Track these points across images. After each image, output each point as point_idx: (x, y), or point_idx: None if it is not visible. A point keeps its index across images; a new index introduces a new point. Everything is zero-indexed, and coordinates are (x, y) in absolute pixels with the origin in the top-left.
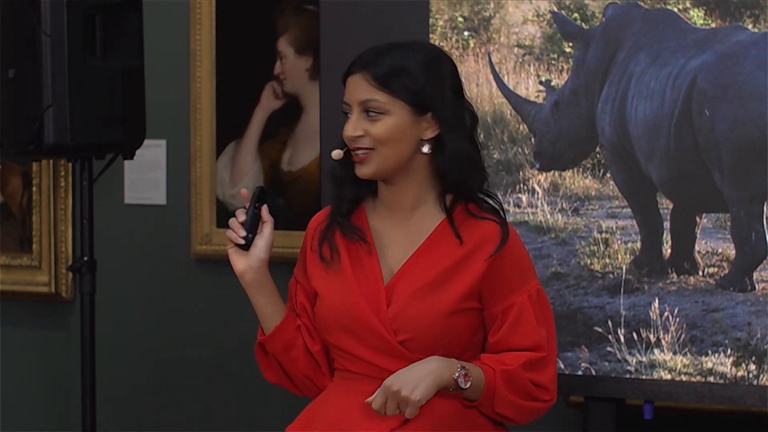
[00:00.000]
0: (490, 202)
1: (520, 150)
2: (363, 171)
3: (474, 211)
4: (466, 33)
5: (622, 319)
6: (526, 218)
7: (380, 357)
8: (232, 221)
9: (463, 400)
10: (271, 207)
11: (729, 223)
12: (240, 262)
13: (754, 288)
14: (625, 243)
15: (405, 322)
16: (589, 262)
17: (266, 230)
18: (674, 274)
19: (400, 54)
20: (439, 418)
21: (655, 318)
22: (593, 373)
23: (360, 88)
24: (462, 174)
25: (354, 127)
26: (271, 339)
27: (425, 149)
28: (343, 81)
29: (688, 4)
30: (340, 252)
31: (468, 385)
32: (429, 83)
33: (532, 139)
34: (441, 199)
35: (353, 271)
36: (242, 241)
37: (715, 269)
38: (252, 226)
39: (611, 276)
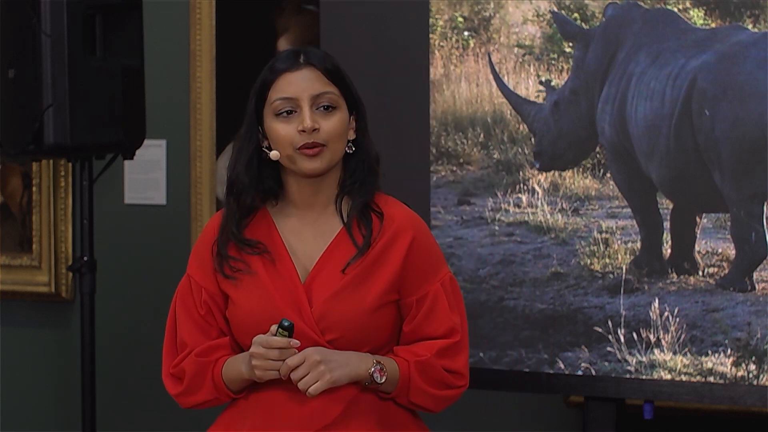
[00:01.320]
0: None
1: (520, 150)
2: (315, 166)
3: (381, 205)
4: (466, 33)
5: (622, 319)
6: (526, 218)
7: None
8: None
9: (380, 393)
10: None
11: (729, 223)
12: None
13: (754, 288)
14: (625, 243)
15: (331, 323)
16: (589, 262)
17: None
18: (674, 274)
19: (333, 58)
20: (367, 419)
21: (655, 318)
22: (593, 373)
23: (314, 82)
24: (367, 175)
25: (312, 119)
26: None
27: (349, 149)
28: (272, 80)
29: (688, 4)
30: (250, 260)
31: (383, 380)
32: (353, 85)
33: (532, 139)
34: (340, 198)
35: (267, 273)
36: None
37: (715, 269)
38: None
39: (611, 276)
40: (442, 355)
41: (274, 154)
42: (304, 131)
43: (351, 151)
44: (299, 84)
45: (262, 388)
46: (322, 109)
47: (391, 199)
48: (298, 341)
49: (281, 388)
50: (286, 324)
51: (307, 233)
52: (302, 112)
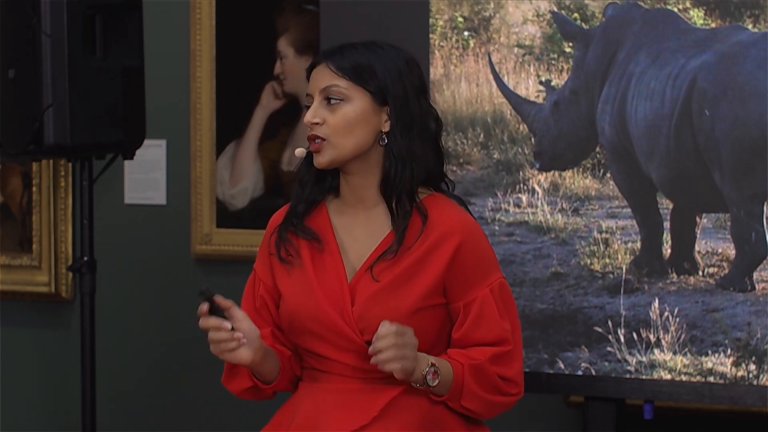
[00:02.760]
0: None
1: (520, 150)
2: (318, 160)
3: (431, 206)
4: (466, 33)
5: (622, 319)
6: (526, 218)
7: (348, 356)
8: (213, 330)
9: (431, 395)
10: (270, 207)
11: (729, 223)
12: (246, 354)
13: (754, 288)
14: (625, 243)
15: (369, 323)
16: (589, 262)
17: (238, 312)
18: (674, 274)
19: (363, 47)
20: (408, 418)
21: (655, 318)
22: (593, 373)
23: (322, 76)
24: (397, 172)
25: (313, 113)
26: (276, 384)
27: (380, 142)
28: (307, 77)
29: (688, 4)
30: (300, 251)
31: (436, 383)
32: (389, 76)
33: (532, 139)
34: (385, 195)
35: (315, 270)
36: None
37: (715, 269)
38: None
39: (611, 276)
40: (496, 361)
41: (299, 151)
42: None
43: (383, 144)
44: (313, 80)
45: (309, 389)
46: (328, 102)
47: (446, 200)
48: (207, 305)
49: (324, 389)
50: (200, 289)
51: (359, 232)
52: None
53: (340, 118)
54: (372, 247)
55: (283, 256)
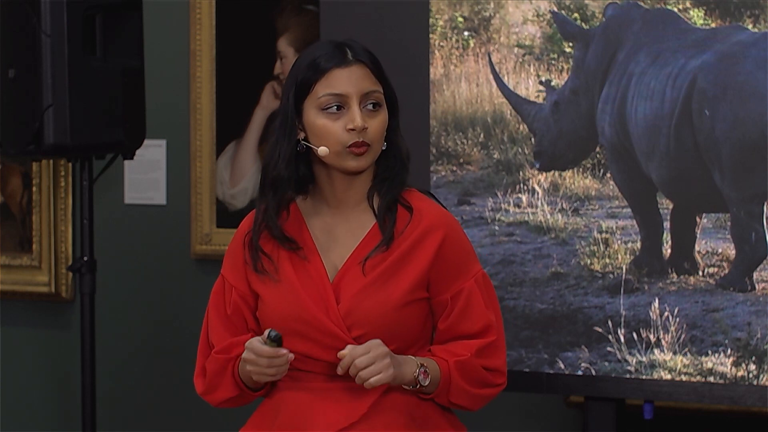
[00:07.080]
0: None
1: (520, 150)
2: (361, 164)
3: (412, 201)
4: (466, 33)
5: (622, 319)
6: (526, 218)
7: (333, 354)
8: (266, 353)
9: (420, 394)
10: None
11: (729, 223)
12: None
13: (754, 288)
14: (625, 243)
15: (358, 318)
16: (589, 262)
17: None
18: (674, 274)
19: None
20: (395, 417)
21: (655, 318)
22: (593, 373)
23: (364, 80)
24: (398, 171)
25: (362, 119)
26: (262, 389)
27: (383, 146)
28: (320, 75)
29: (688, 4)
30: (280, 258)
31: (428, 382)
32: (387, 82)
33: (532, 139)
34: (372, 194)
35: (296, 273)
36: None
37: (715, 269)
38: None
39: (611, 276)
40: (482, 353)
41: (323, 150)
42: (353, 130)
43: (384, 148)
44: (350, 81)
45: (290, 389)
46: (370, 107)
47: (422, 195)
48: (287, 350)
49: (308, 388)
50: (272, 335)
51: (339, 231)
52: (351, 110)
53: (380, 124)
54: (353, 245)
55: (260, 269)
